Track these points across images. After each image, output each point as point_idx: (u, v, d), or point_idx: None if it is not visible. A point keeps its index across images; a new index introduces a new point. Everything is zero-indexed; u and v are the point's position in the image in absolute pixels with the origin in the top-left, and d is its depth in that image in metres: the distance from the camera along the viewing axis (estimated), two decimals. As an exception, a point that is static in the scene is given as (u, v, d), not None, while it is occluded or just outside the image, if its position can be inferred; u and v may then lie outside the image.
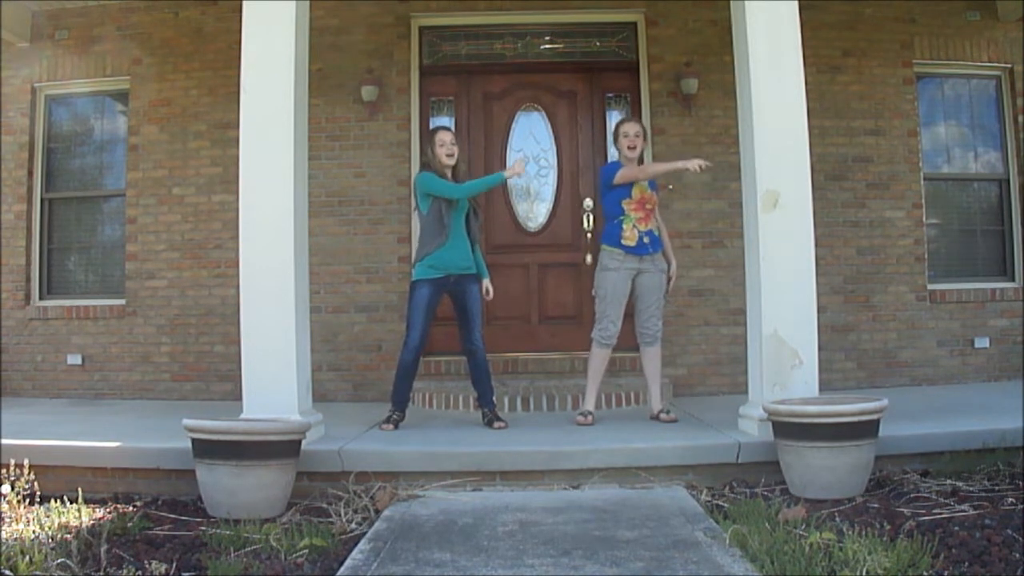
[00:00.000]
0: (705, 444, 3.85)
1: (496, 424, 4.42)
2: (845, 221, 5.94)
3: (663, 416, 4.47)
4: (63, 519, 3.11)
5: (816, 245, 4.04)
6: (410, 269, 5.84)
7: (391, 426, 4.39)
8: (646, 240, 4.52)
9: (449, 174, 4.51)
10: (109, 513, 3.31)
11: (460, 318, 4.55)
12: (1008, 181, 6.22)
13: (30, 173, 6.23)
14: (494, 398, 4.58)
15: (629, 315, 4.65)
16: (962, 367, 5.96)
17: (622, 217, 4.53)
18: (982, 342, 5.97)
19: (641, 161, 4.66)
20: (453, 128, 5.96)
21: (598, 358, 4.54)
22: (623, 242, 4.51)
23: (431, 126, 6.01)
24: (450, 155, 4.49)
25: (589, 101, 6.04)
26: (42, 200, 6.29)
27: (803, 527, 2.90)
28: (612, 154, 6.10)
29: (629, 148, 4.54)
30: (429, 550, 2.77)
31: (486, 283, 4.70)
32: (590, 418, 4.47)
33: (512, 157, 6.03)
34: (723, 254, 5.81)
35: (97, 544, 2.73)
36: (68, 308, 6.12)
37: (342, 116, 5.92)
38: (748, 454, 3.74)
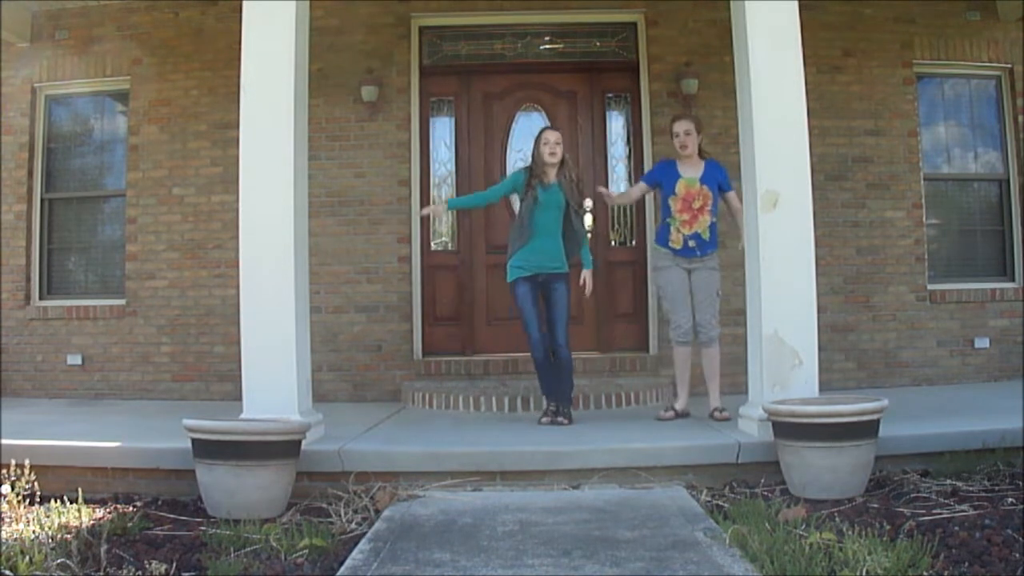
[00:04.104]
0: (705, 444, 3.85)
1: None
2: (845, 221, 5.93)
3: (716, 415, 4.48)
4: (63, 519, 3.11)
5: (816, 245, 4.04)
6: (411, 269, 5.88)
7: (548, 419, 4.45)
8: (691, 244, 4.53)
9: (552, 172, 4.56)
10: (109, 513, 3.31)
11: (547, 317, 4.58)
12: (1008, 181, 6.22)
13: (30, 173, 6.23)
14: (572, 395, 4.60)
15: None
16: (962, 367, 5.96)
17: (669, 219, 4.58)
18: (982, 342, 5.97)
19: (700, 154, 4.62)
20: (453, 127, 5.97)
21: (679, 357, 4.62)
22: (670, 244, 4.58)
23: (431, 126, 6.03)
24: (552, 154, 4.54)
25: (589, 101, 6.04)
26: (42, 200, 6.29)
27: (803, 527, 2.90)
28: (613, 154, 6.14)
29: (681, 148, 4.59)
30: (429, 550, 2.77)
31: (585, 274, 4.67)
32: (671, 413, 4.53)
33: (512, 157, 6.04)
34: (723, 254, 5.74)
35: (97, 544, 2.73)
36: (68, 308, 6.12)
37: (342, 116, 5.93)
38: (748, 454, 3.74)
